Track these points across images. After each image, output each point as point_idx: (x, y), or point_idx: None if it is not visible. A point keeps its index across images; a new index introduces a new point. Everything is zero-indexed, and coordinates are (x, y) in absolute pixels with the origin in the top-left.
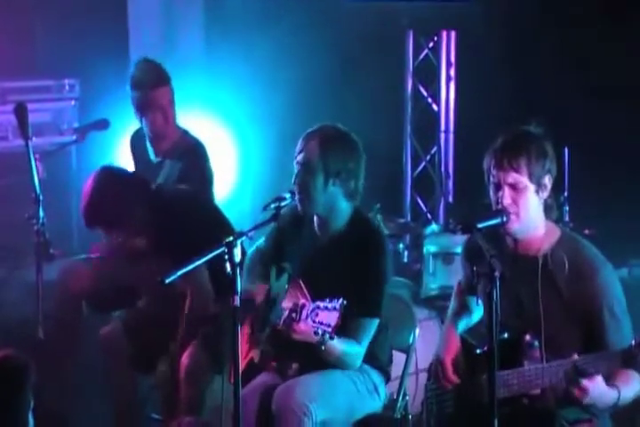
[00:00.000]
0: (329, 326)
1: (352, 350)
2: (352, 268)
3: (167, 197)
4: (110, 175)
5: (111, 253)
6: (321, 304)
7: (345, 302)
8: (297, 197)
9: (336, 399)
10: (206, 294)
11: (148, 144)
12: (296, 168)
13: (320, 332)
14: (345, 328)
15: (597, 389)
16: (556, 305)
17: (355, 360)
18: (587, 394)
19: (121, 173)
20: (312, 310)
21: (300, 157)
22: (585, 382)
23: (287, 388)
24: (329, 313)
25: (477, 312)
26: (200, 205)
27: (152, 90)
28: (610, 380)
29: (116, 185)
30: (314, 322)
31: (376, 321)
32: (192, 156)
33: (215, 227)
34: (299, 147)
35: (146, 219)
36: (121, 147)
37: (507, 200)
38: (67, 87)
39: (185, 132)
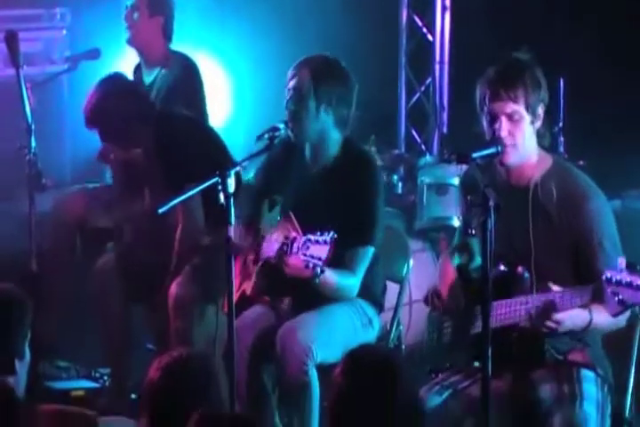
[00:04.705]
0: (320, 259)
1: (347, 281)
2: (344, 196)
3: (171, 117)
4: (119, 81)
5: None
6: (312, 237)
7: (336, 236)
8: (289, 125)
9: (335, 340)
10: (196, 222)
11: (144, 69)
12: (287, 94)
13: (311, 265)
14: (339, 258)
15: (570, 319)
16: (547, 235)
17: (350, 291)
18: (560, 325)
19: (129, 82)
20: (303, 244)
21: (291, 84)
22: (558, 316)
23: (290, 329)
24: (320, 246)
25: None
26: (202, 130)
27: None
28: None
29: (123, 90)
30: (304, 255)
31: (371, 249)
32: (184, 67)
33: (214, 154)
34: (290, 74)
35: (147, 134)
36: None
37: (504, 132)
38: (58, 16)
39: (175, 51)
